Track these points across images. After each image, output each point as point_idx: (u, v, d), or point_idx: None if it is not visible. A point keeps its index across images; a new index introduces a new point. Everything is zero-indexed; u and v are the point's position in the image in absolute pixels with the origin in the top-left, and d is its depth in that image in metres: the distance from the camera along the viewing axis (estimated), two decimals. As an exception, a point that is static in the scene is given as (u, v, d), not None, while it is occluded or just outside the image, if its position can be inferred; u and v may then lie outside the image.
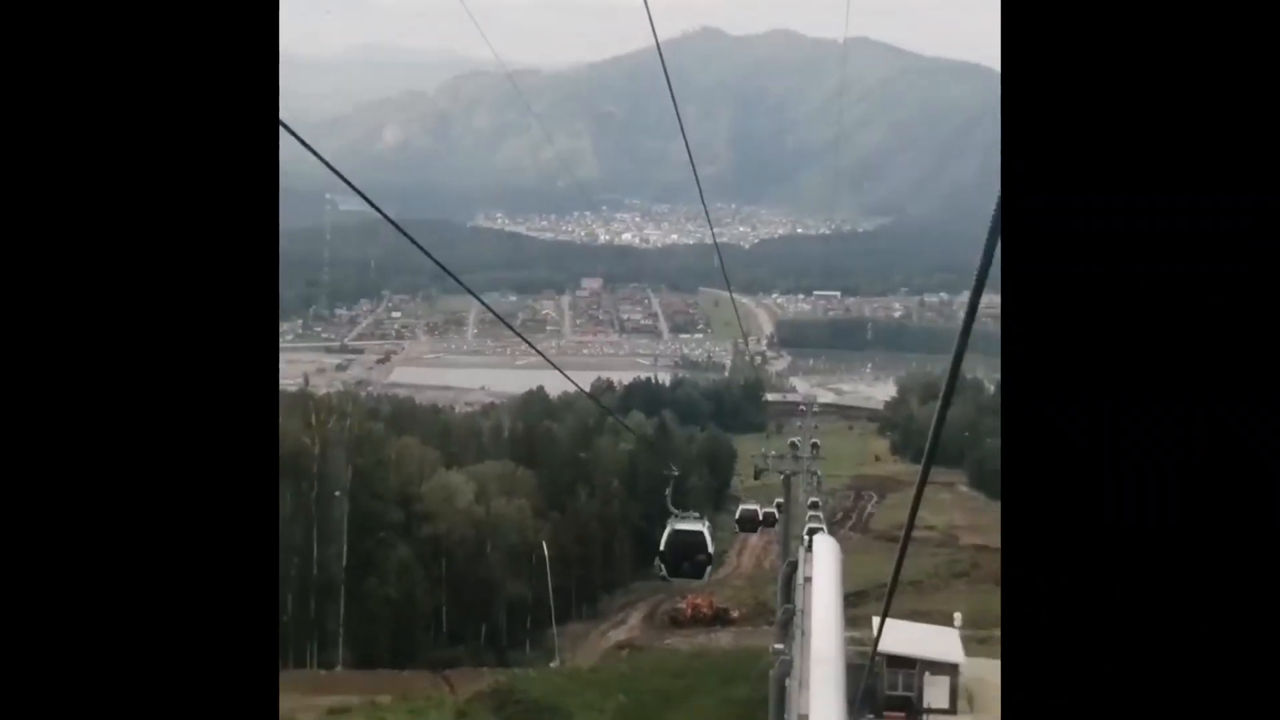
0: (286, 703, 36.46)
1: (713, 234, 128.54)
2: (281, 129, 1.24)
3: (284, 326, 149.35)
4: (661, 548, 25.50)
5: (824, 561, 33.30)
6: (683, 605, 53.59)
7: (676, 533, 25.17)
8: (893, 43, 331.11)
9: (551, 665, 47.51)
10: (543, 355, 20.69)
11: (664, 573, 26.04)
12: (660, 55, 13.14)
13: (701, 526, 25.34)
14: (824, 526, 36.28)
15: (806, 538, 30.82)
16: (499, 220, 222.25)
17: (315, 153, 5.71)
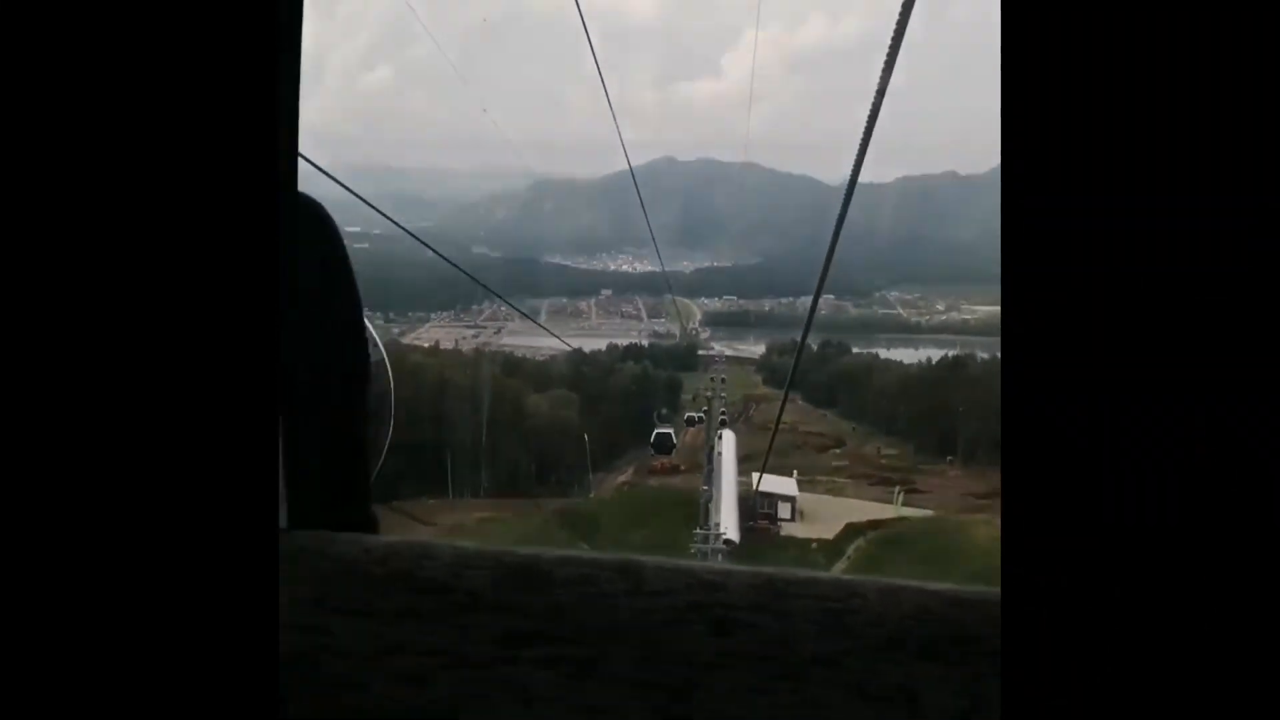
0: (458, 516, 36.87)
1: (663, 267, 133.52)
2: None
3: (442, 316, 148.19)
4: (652, 440, 29.23)
5: (727, 443, 33.85)
6: (655, 463, 54.19)
7: (659, 433, 28.90)
8: (765, 164, 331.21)
9: (590, 496, 48.01)
10: (553, 333, 21.45)
11: (653, 451, 29.72)
12: (632, 173, 13.44)
13: (670, 430, 28.89)
14: (728, 424, 37.72)
15: (719, 429, 31.74)
16: (558, 259, 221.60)
17: (331, 176, 5.22)
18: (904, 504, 39.89)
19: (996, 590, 0.51)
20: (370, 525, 1.02)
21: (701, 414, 31.04)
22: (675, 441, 32.20)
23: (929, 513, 36.95)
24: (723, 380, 31.00)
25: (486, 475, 50.02)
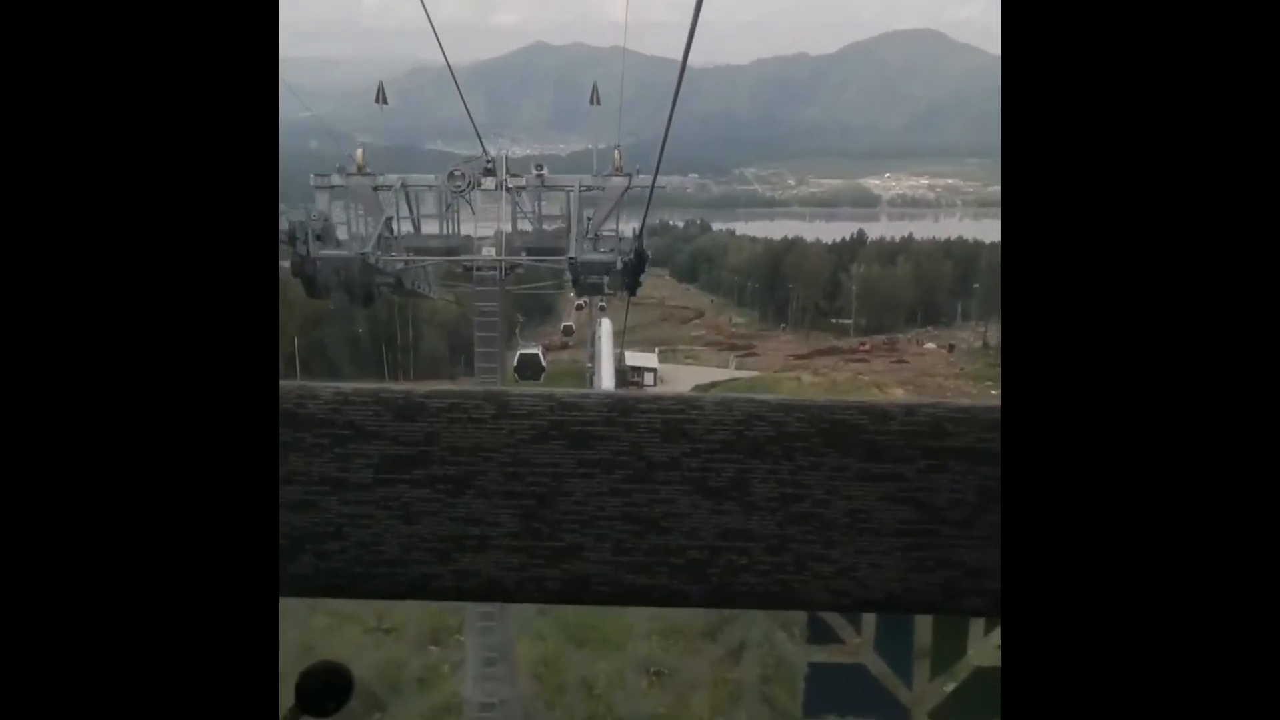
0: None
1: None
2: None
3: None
4: (561, 329, 40.07)
5: (605, 329, 41.31)
6: (550, 340, 59.68)
7: (565, 325, 39.74)
8: (634, 48, 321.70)
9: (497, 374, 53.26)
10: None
11: (561, 336, 41.59)
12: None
13: (571, 323, 38.82)
14: (606, 309, 44.36)
15: (598, 314, 38.46)
16: (439, 145, 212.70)
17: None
18: (738, 367, 48.34)
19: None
20: None
21: (586, 299, 38.14)
22: (575, 329, 45.72)
23: (756, 373, 45.66)
24: (601, 265, 38.09)
25: (414, 360, 54.15)
